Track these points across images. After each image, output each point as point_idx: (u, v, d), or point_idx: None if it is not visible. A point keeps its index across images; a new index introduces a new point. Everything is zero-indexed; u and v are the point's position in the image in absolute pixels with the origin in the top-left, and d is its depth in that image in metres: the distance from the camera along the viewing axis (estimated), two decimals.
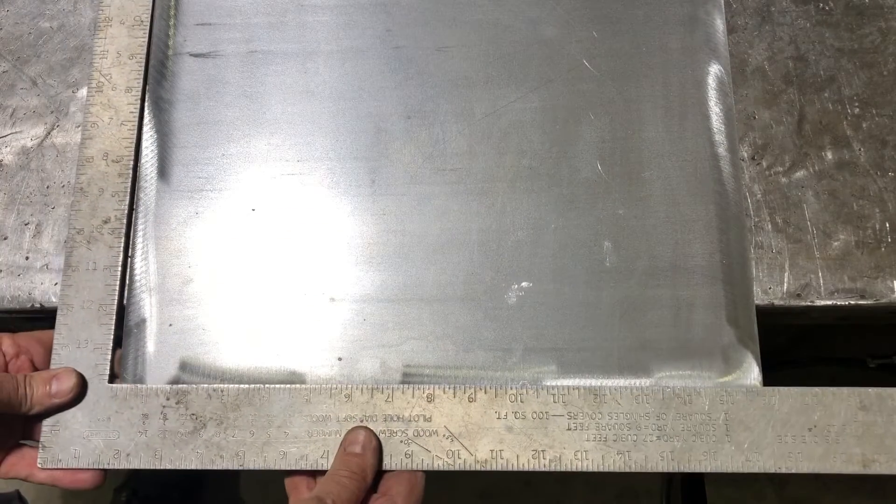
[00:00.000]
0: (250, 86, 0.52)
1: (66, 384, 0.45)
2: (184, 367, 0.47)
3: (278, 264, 0.48)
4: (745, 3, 0.53)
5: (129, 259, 0.49)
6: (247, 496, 1.17)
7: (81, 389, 0.46)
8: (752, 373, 0.46)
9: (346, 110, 0.51)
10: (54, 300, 0.50)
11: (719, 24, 0.51)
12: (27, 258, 0.51)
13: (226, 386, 0.46)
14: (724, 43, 0.51)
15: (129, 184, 0.49)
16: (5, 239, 0.51)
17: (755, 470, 0.44)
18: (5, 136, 0.53)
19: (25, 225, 0.51)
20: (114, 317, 0.47)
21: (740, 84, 0.51)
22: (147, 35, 0.52)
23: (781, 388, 0.45)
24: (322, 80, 0.52)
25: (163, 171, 0.50)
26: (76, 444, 0.45)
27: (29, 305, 0.50)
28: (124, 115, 0.51)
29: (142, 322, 0.48)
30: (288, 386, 0.46)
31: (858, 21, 0.52)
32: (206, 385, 0.46)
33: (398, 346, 0.47)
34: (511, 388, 0.45)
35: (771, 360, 0.48)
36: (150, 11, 0.53)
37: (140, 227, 0.49)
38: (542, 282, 0.47)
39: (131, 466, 0.45)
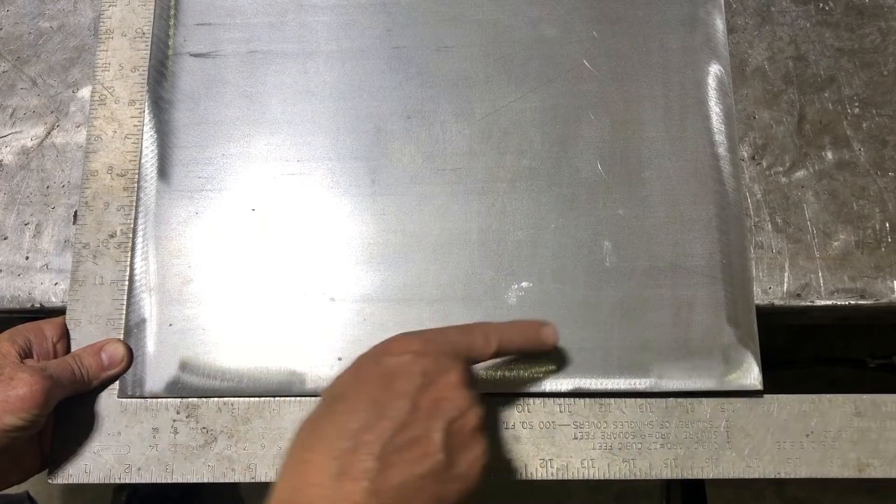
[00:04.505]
0: (250, 86, 0.52)
1: (117, 354, 0.46)
2: (184, 367, 0.47)
3: (278, 264, 0.48)
4: (745, 3, 0.53)
5: (130, 259, 0.49)
6: (246, 495, 1.18)
7: (130, 356, 0.47)
8: (752, 373, 0.46)
9: (346, 110, 0.51)
10: (54, 300, 0.50)
11: (719, 24, 0.51)
12: (27, 258, 0.51)
13: (236, 399, 0.46)
14: (724, 43, 0.51)
15: (135, 198, 0.50)
16: (5, 239, 0.51)
17: (755, 476, 0.45)
18: (5, 136, 0.53)
19: (25, 225, 0.51)
20: (122, 332, 0.47)
21: (740, 84, 0.51)
22: (149, 47, 0.52)
23: (780, 396, 0.46)
24: (322, 80, 0.52)
25: (163, 171, 0.50)
26: (87, 459, 0.45)
27: (29, 305, 0.50)
28: (128, 129, 0.51)
29: (142, 322, 0.48)
30: (298, 398, 0.46)
31: (858, 21, 0.52)
32: (216, 399, 0.46)
33: None
34: (518, 399, 0.46)
35: (771, 360, 0.48)
36: (151, 23, 0.53)
37: (140, 227, 0.49)
38: (542, 282, 0.47)
39: (143, 480, 0.45)
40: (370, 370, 0.37)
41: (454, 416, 0.35)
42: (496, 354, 0.41)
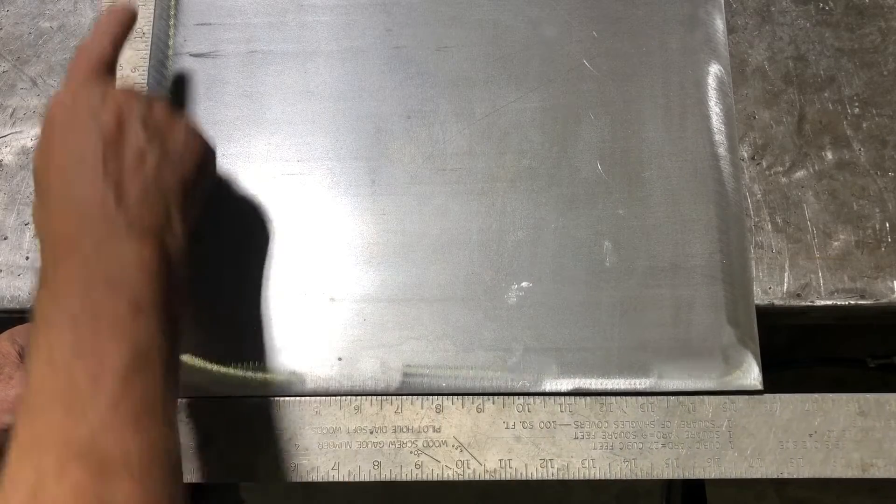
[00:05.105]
0: (250, 86, 0.52)
1: None
2: (184, 366, 0.47)
3: (278, 264, 0.48)
4: (745, 3, 0.53)
5: None
6: (246, 495, 1.17)
7: None
8: (752, 373, 0.46)
9: (346, 110, 0.51)
10: None
11: (719, 24, 0.51)
12: (27, 258, 0.51)
13: (235, 399, 0.46)
14: (724, 43, 0.51)
15: None
16: (5, 239, 0.51)
17: (758, 476, 0.44)
18: (5, 136, 0.53)
19: (25, 225, 0.51)
20: None
21: (740, 84, 0.51)
22: (149, 47, 0.52)
23: (783, 395, 0.45)
24: (322, 80, 0.52)
25: None
26: None
27: (29, 305, 0.50)
28: None
29: None
30: (297, 398, 0.46)
31: (858, 21, 0.52)
32: (216, 399, 0.46)
33: (398, 346, 0.47)
34: (518, 399, 0.46)
35: (771, 360, 0.48)
36: (151, 23, 0.53)
37: None
38: (542, 282, 0.47)
39: None
40: (54, 143, 0.38)
41: (140, 115, 0.38)
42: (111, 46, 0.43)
